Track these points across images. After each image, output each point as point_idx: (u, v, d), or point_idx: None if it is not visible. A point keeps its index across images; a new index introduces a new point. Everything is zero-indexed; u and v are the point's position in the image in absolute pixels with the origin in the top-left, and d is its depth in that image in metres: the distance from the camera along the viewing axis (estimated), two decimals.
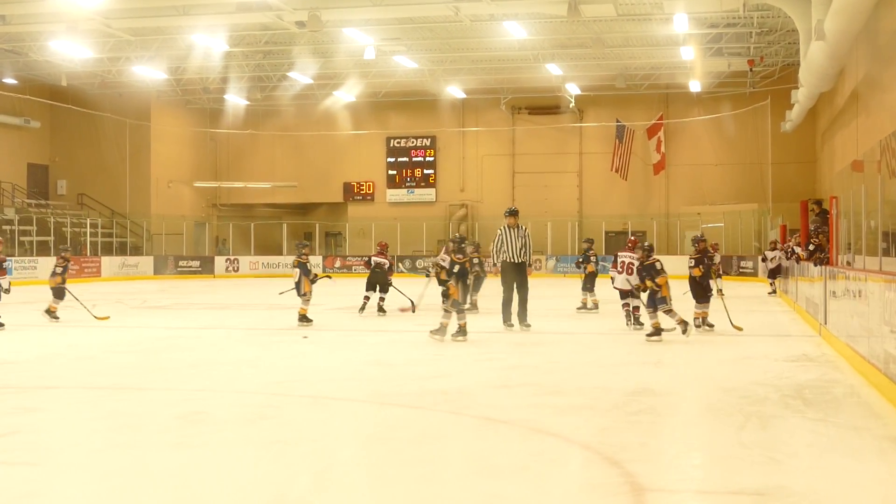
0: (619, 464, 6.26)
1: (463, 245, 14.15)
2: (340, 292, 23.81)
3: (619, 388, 9.34)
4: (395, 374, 10.69)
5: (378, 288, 18.81)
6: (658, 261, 14.29)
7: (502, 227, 15.52)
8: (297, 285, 16.41)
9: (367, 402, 8.79)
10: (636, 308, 15.74)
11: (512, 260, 15.34)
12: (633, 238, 17.39)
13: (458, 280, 13.64)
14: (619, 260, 16.31)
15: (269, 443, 7.02)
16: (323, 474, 6.18)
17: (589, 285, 19.31)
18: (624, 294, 16.03)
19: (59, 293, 17.61)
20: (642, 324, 15.43)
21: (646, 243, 14.93)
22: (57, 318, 17.31)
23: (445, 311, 13.70)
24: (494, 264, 15.56)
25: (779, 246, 26.47)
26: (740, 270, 36.70)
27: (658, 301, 13.92)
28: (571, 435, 7.25)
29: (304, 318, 16.25)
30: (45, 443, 7.12)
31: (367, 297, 18.89)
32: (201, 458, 6.57)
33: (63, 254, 18.15)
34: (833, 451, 6.81)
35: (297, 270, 16.39)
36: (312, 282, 16.47)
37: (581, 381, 10.07)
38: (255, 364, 11.65)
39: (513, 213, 15.56)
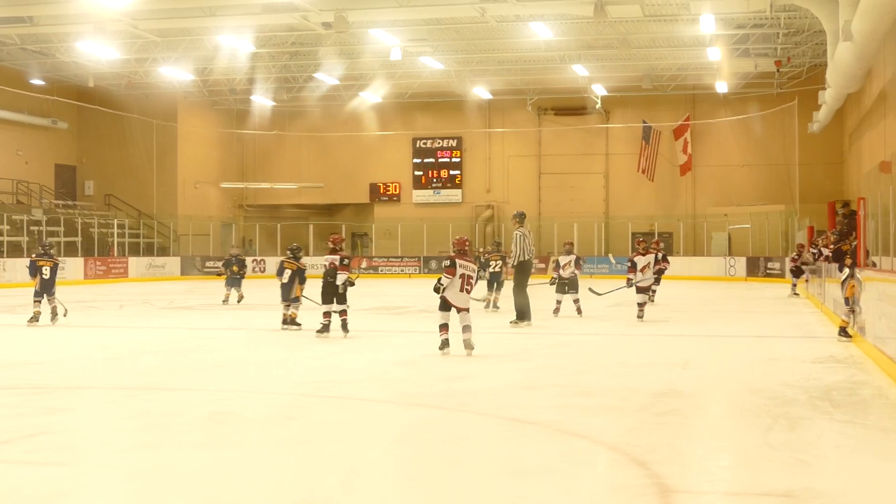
0: (647, 465, 6.25)
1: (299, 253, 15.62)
2: (368, 293, 23.85)
3: (646, 390, 9.31)
4: (421, 374, 10.71)
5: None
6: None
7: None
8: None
9: (394, 402, 8.81)
10: None
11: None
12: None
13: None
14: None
15: (297, 443, 7.05)
16: (350, 475, 6.19)
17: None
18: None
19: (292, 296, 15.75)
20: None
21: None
22: (298, 325, 15.60)
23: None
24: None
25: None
26: (767, 272, 36.55)
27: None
28: (598, 436, 7.24)
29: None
30: (74, 443, 7.17)
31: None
32: (229, 459, 6.60)
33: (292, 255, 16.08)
34: (861, 452, 6.77)
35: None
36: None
37: (608, 382, 10.06)
38: (282, 365, 11.71)
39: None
